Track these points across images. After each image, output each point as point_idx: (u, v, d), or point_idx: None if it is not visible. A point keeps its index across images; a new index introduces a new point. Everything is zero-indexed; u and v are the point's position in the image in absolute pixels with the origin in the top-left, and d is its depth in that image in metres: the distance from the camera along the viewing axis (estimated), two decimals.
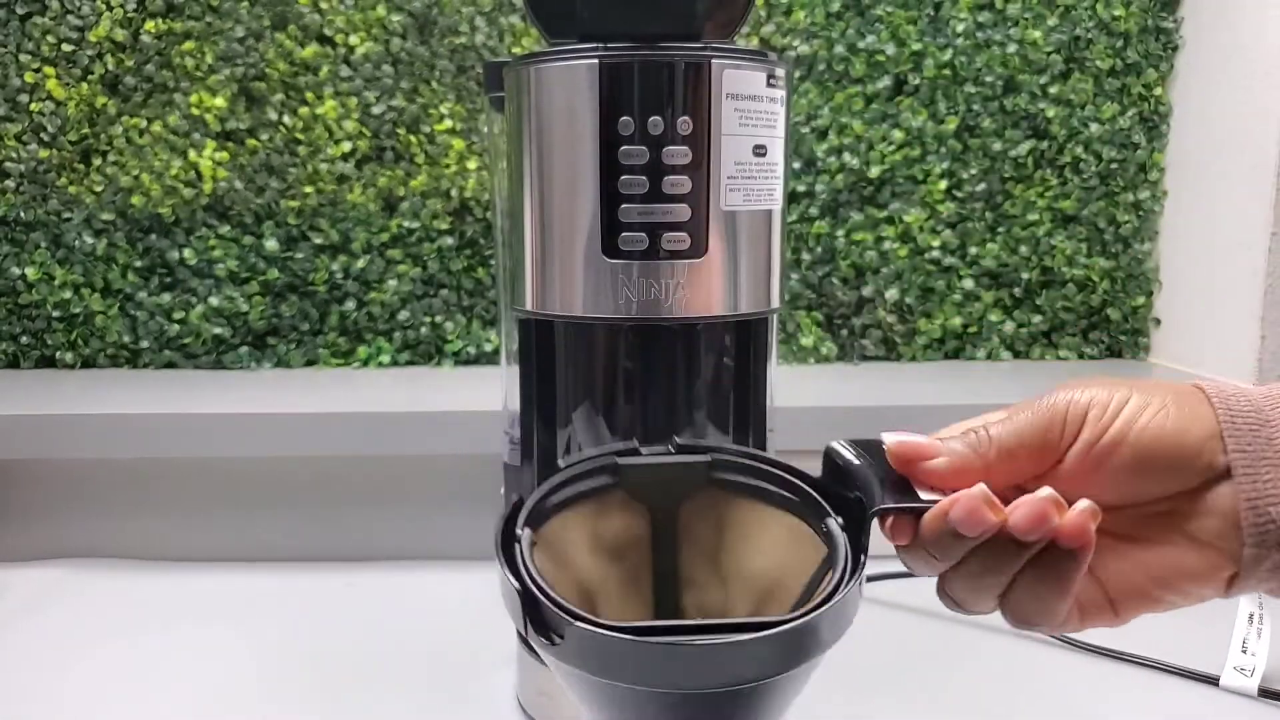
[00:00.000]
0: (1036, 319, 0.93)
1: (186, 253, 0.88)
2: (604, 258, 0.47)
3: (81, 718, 0.56)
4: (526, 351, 0.56)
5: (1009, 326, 0.93)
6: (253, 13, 0.86)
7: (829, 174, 0.90)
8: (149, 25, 0.85)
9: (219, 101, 0.86)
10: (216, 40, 0.86)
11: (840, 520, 0.36)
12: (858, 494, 0.35)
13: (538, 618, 0.32)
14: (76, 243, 0.88)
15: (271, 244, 0.88)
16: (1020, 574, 0.33)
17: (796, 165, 0.90)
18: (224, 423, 0.74)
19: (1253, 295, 0.81)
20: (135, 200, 0.87)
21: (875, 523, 0.35)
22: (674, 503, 0.41)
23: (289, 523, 0.79)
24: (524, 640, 0.54)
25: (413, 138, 0.88)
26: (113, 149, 0.87)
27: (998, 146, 0.90)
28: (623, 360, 0.57)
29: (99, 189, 0.87)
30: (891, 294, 0.91)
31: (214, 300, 0.88)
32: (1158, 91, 0.91)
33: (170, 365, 0.90)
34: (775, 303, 0.51)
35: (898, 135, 0.89)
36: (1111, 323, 0.94)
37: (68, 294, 0.88)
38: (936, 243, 0.91)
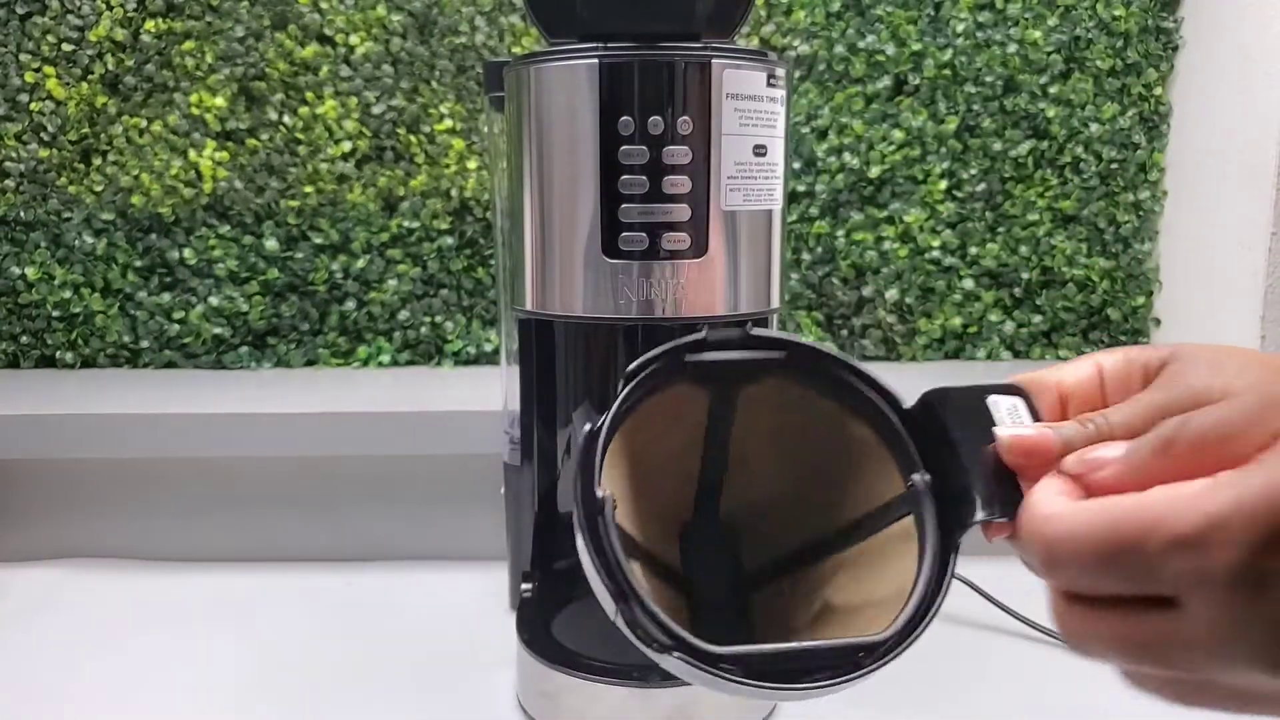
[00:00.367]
0: (1036, 319, 0.93)
1: (186, 253, 0.88)
2: (604, 258, 0.47)
3: (82, 717, 0.56)
4: (526, 351, 0.56)
5: (1009, 326, 0.93)
6: (253, 13, 0.86)
7: (829, 174, 0.90)
8: (149, 25, 0.85)
9: (219, 101, 0.86)
10: (216, 40, 0.86)
11: (928, 478, 0.34)
12: (963, 486, 0.32)
13: (630, 616, 0.32)
14: (76, 242, 0.88)
15: (271, 244, 0.88)
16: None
17: (796, 165, 0.90)
18: (224, 423, 0.74)
19: (1253, 295, 0.81)
20: (135, 200, 0.87)
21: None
22: (739, 386, 0.40)
23: (289, 523, 0.79)
24: (525, 643, 0.54)
25: (413, 138, 0.88)
26: (113, 149, 0.87)
27: (998, 146, 0.90)
28: (623, 360, 0.57)
29: (99, 189, 0.87)
30: (891, 294, 0.91)
31: (214, 300, 0.88)
32: (1158, 91, 0.91)
33: (170, 365, 0.90)
34: (775, 303, 0.51)
35: (898, 135, 0.89)
36: (1111, 323, 0.94)
37: (68, 294, 0.88)
38: (936, 243, 0.91)
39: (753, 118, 0.48)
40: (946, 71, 0.89)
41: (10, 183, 0.87)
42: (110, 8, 0.85)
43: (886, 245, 0.91)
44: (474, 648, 0.63)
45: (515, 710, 0.56)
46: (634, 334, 0.54)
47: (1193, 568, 0.23)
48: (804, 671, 0.31)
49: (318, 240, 0.88)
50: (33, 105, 0.86)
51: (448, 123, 0.88)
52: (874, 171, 0.89)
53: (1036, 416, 0.33)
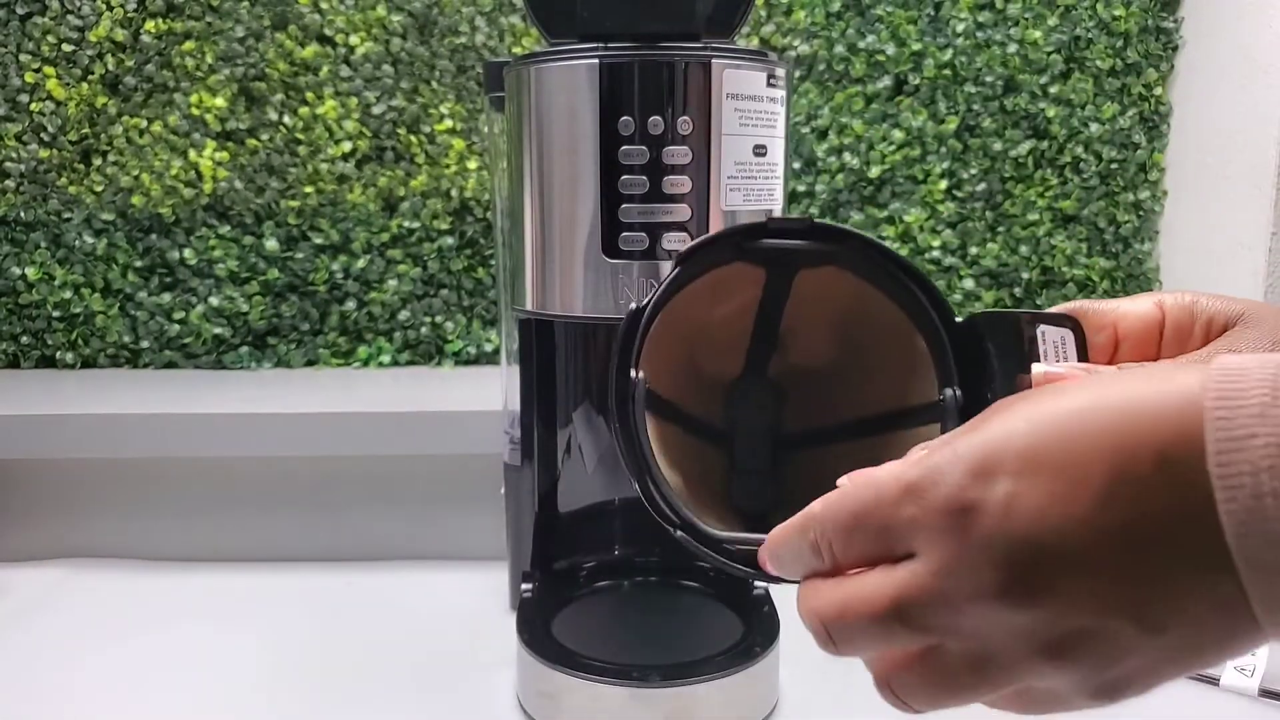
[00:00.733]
0: None
1: (186, 253, 0.88)
2: (604, 257, 0.47)
3: (82, 717, 0.56)
4: (526, 351, 0.56)
5: None
6: (253, 13, 0.86)
7: (829, 174, 0.90)
8: (149, 25, 0.85)
9: (219, 101, 0.86)
10: (216, 40, 0.86)
11: (959, 395, 0.34)
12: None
13: (648, 494, 0.34)
14: (76, 243, 0.88)
15: (271, 244, 0.88)
16: None
17: (796, 165, 0.90)
18: (224, 423, 0.74)
19: (1253, 295, 0.81)
20: (135, 200, 0.87)
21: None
22: (797, 268, 0.40)
23: (289, 523, 0.79)
24: (525, 643, 0.54)
25: (413, 138, 0.88)
26: (113, 149, 0.87)
27: (998, 146, 0.90)
28: None
29: (99, 189, 0.87)
30: None
31: (214, 300, 0.88)
32: (1158, 91, 0.91)
33: (170, 365, 0.90)
34: None
35: (898, 135, 0.89)
36: None
37: (68, 294, 0.88)
38: (936, 243, 0.91)
39: (753, 118, 0.48)
40: (946, 71, 0.89)
41: (10, 183, 0.87)
42: (110, 8, 0.85)
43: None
44: (474, 648, 0.63)
45: (515, 710, 0.56)
46: None
47: (918, 511, 0.25)
48: None
49: (318, 240, 0.88)
50: (33, 105, 0.86)
51: (448, 123, 0.88)
52: (874, 171, 0.89)
53: (1083, 353, 0.33)
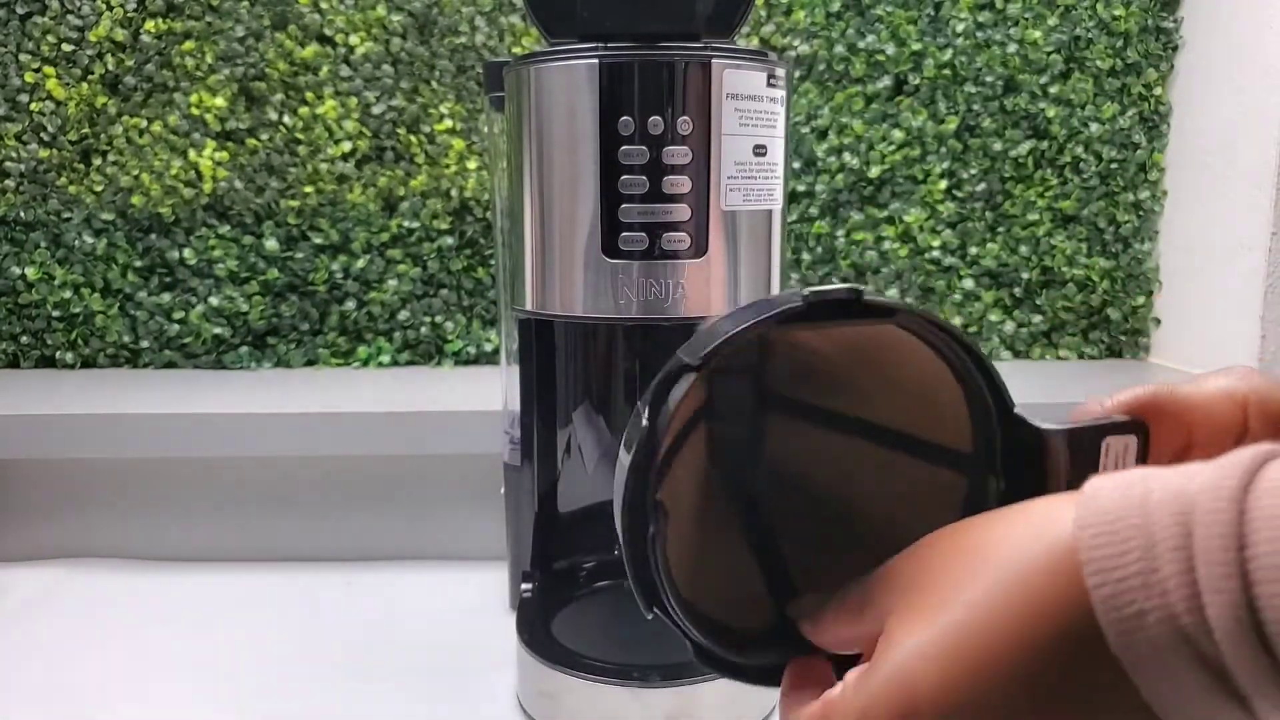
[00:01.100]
0: (1036, 319, 0.93)
1: (186, 253, 0.88)
2: (604, 258, 0.47)
3: (81, 717, 0.56)
4: (526, 351, 0.56)
5: (1009, 326, 0.93)
6: (253, 13, 0.86)
7: (829, 174, 0.90)
8: (149, 25, 0.85)
9: (219, 101, 0.86)
10: (216, 40, 0.86)
11: (1002, 487, 0.33)
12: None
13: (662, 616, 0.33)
14: (76, 243, 0.88)
15: (271, 244, 0.88)
16: None
17: (796, 165, 0.90)
18: (224, 423, 0.74)
19: (1253, 295, 0.81)
20: (135, 200, 0.87)
21: None
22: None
23: (289, 523, 0.79)
24: (525, 643, 0.54)
25: (413, 138, 0.88)
26: (113, 149, 0.87)
27: (998, 146, 0.90)
28: (623, 360, 0.57)
29: (99, 189, 0.87)
30: (891, 294, 0.91)
31: (214, 300, 0.88)
32: (1158, 91, 0.91)
33: (170, 365, 0.90)
34: None
35: (898, 135, 0.89)
36: (1111, 323, 0.94)
37: (68, 294, 0.88)
38: (936, 243, 0.91)
39: (753, 118, 0.48)
40: (946, 71, 0.89)
41: (10, 183, 0.87)
42: (110, 8, 0.85)
43: (886, 245, 0.91)
44: (474, 648, 0.63)
45: (515, 710, 0.56)
46: (634, 334, 0.54)
47: None
48: None
49: (318, 240, 0.88)
50: (33, 105, 0.86)
51: (448, 123, 0.88)
52: (874, 171, 0.89)
53: (1144, 455, 0.31)
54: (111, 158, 0.87)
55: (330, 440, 0.74)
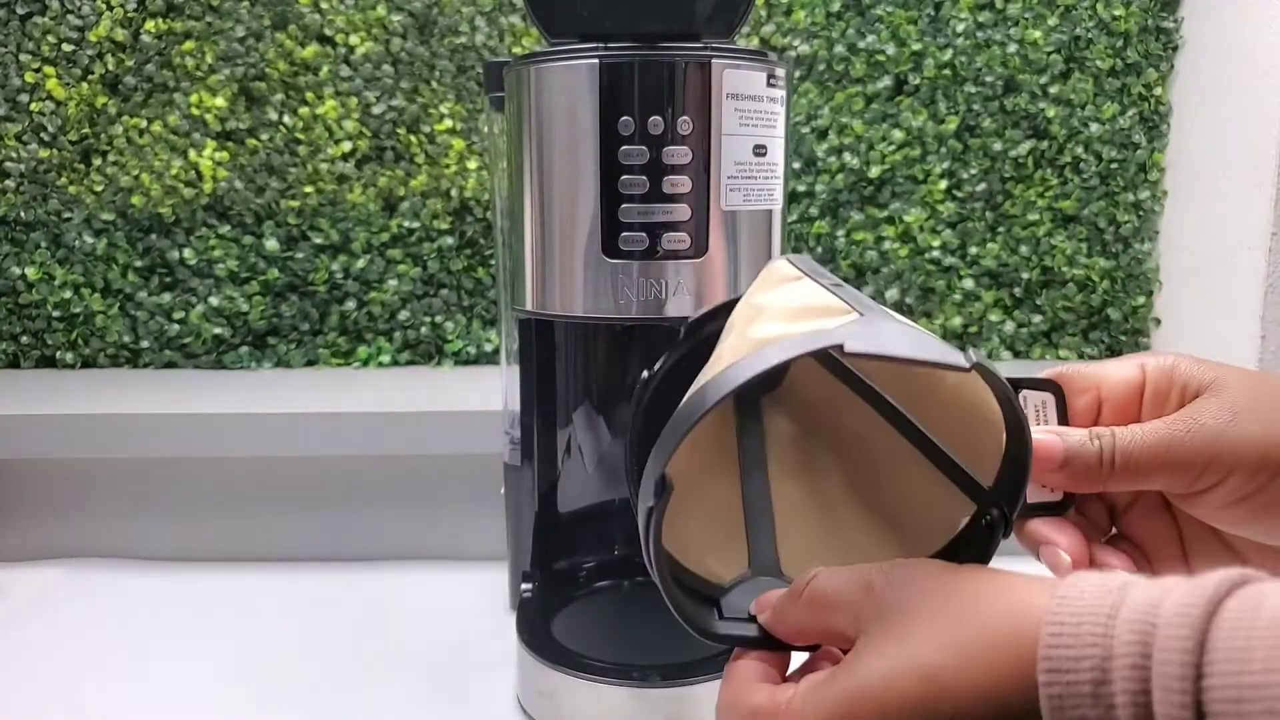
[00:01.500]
0: (1036, 319, 0.93)
1: (186, 253, 0.88)
2: (604, 258, 0.47)
3: (81, 717, 0.56)
4: (526, 351, 0.56)
5: (1009, 326, 0.93)
6: (253, 13, 0.86)
7: (829, 174, 0.90)
8: (149, 25, 0.85)
9: (219, 101, 0.86)
10: (216, 40, 0.86)
11: (1003, 515, 0.34)
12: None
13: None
14: (76, 243, 0.88)
15: (271, 244, 0.88)
16: None
17: (796, 165, 0.90)
18: (224, 423, 0.74)
19: (1253, 295, 0.81)
20: (135, 200, 0.87)
21: None
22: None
23: (289, 523, 0.79)
24: (525, 643, 0.54)
25: (413, 138, 0.88)
26: (113, 149, 0.87)
27: (998, 146, 0.90)
28: (623, 360, 0.57)
29: (99, 189, 0.87)
30: (892, 294, 0.91)
31: (214, 300, 0.88)
32: (1158, 91, 0.91)
33: (170, 365, 0.90)
34: None
35: (898, 135, 0.89)
36: (1111, 323, 0.94)
37: (68, 294, 0.88)
38: (936, 243, 0.91)
39: (753, 118, 0.48)
40: (946, 71, 0.89)
41: (10, 183, 0.87)
42: (110, 8, 0.85)
43: (886, 245, 0.91)
44: (474, 648, 0.63)
45: (515, 710, 0.56)
46: (634, 334, 0.54)
47: None
48: None
49: (318, 240, 0.88)
50: (33, 105, 0.86)
51: (448, 123, 0.88)
52: (874, 171, 0.89)
53: (1063, 417, 0.34)
54: (112, 158, 0.87)
55: (330, 440, 0.74)
